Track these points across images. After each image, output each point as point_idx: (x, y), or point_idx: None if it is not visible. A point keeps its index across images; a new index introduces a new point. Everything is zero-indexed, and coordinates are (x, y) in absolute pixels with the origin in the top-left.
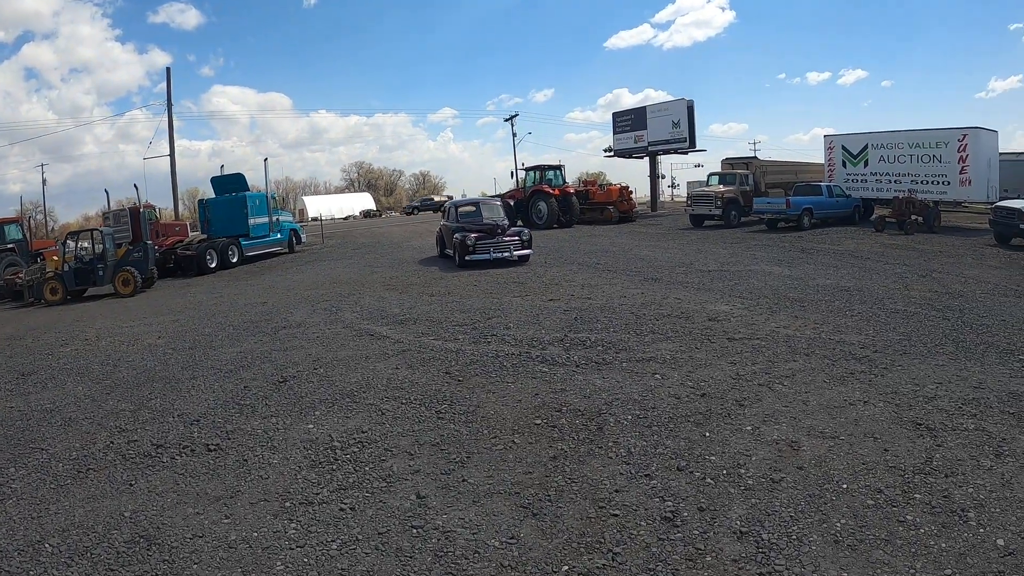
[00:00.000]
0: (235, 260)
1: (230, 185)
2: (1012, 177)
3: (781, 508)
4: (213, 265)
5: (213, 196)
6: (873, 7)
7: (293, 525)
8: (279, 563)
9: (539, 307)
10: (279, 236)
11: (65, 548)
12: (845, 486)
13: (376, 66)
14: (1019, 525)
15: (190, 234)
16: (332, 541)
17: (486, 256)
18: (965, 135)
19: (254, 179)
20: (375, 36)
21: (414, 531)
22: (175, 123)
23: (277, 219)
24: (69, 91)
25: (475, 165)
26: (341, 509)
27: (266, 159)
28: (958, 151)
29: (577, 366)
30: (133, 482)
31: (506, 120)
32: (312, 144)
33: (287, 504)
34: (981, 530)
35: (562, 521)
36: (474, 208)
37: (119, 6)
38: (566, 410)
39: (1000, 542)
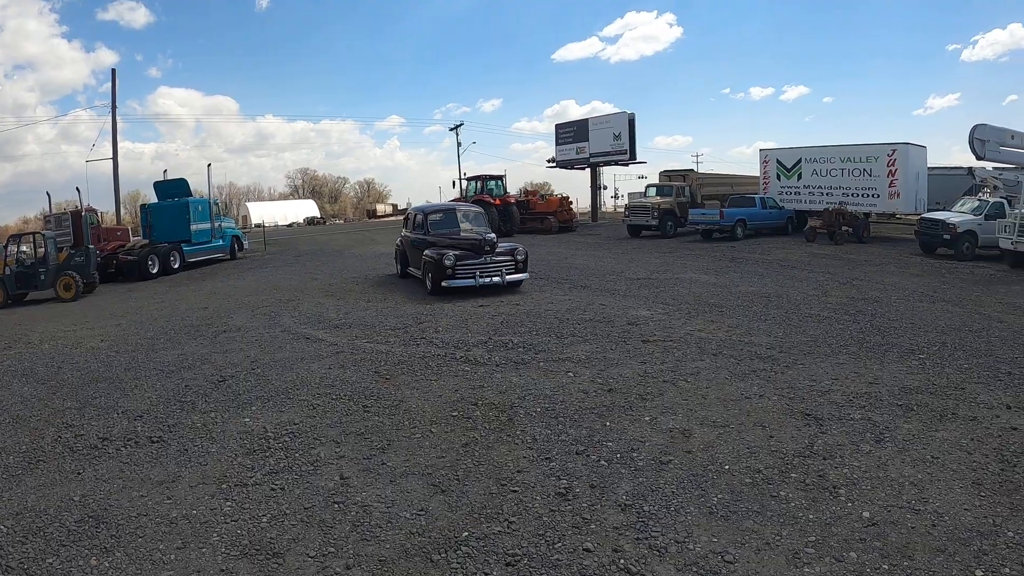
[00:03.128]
0: (177, 266)
1: (173, 190)
2: (943, 190)
3: (665, 485)
4: (155, 271)
5: (155, 201)
6: (816, 26)
7: (228, 503)
8: (215, 535)
9: (469, 312)
10: (221, 242)
11: (20, 529)
12: (727, 467)
13: (325, 72)
14: (887, 501)
15: (132, 239)
16: (263, 516)
17: (469, 282)
18: (895, 150)
19: (198, 184)
20: (325, 41)
21: (336, 506)
22: (119, 124)
23: (219, 225)
24: (12, 88)
25: (421, 173)
26: (272, 489)
27: (209, 164)
28: (887, 165)
29: (497, 366)
30: (81, 471)
31: (451, 129)
32: (258, 149)
33: (223, 486)
34: (849, 504)
35: (467, 496)
36: (449, 215)
37: (67, 2)
38: (481, 404)
39: (866, 514)
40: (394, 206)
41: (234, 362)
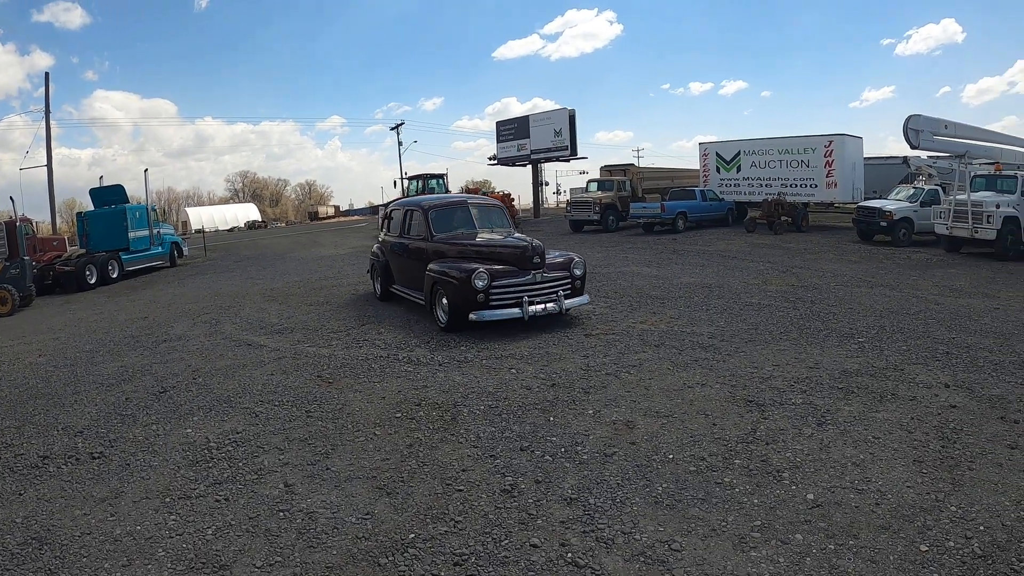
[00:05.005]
0: (115, 275)
1: (110, 197)
2: (880, 179)
3: (610, 477)
4: (93, 281)
5: (92, 209)
6: (753, 21)
7: (173, 517)
8: (160, 550)
9: (411, 312)
10: (160, 250)
11: None
12: (672, 457)
13: (265, 72)
14: (830, 482)
15: (69, 249)
16: (208, 528)
17: (513, 312)
18: (831, 141)
19: (135, 190)
20: (265, 42)
21: (281, 514)
22: (54, 130)
23: (158, 232)
24: None
25: (363, 174)
26: (216, 500)
27: (146, 169)
28: (825, 156)
29: (440, 365)
30: (22, 492)
31: (392, 129)
32: (197, 153)
33: (167, 500)
34: (793, 487)
35: (412, 498)
36: (459, 212)
37: (1, 3)
38: (425, 404)
39: (810, 496)
40: (336, 208)
41: (175, 372)
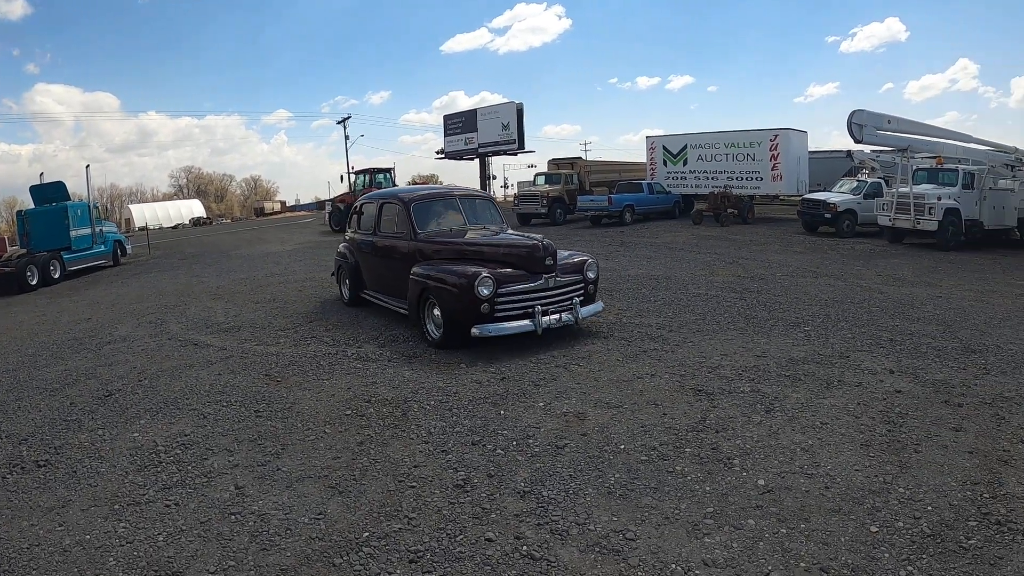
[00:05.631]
0: (57, 276)
1: (50, 194)
2: (824, 172)
3: (562, 469)
4: (34, 282)
5: (32, 207)
6: (700, 17)
7: (122, 524)
8: (111, 559)
9: (359, 308)
10: (103, 248)
11: None
12: (623, 447)
13: (210, 65)
14: (780, 468)
15: (9, 249)
16: (159, 534)
17: (525, 326)
18: (776, 135)
19: (77, 187)
20: (211, 33)
21: (233, 517)
22: None
23: (101, 230)
24: None
25: (309, 168)
26: (166, 506)
27: (88, 165)
28: (770, 150)
29: (389, 360)
30: None
31: (339, 123)
32: (140, 148)
33: (116, 507)
34: (744, 474)
35: (365, 496)
36: (447, 205)
37: None
38: (375, 400)
39: (761, 482)
40: (282, 203)
41: (120, 375)
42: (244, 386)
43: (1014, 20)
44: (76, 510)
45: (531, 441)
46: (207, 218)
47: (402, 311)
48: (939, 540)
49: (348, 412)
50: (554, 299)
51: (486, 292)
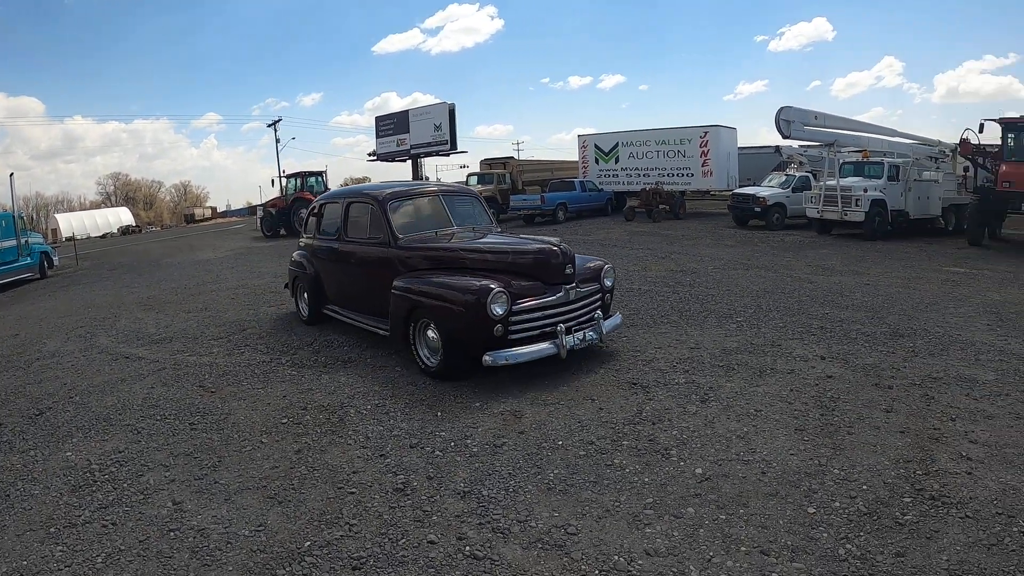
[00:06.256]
0: None
1: None
2: (753, 167)
3: (501, 468)
4: None
5: None
6: (632, 17)
7: (59, 548)
8: None
9: (293, 314)
10: (29, 260)
11: None
12: (560, 443)
13: (138, 67)
14: (717, 456)
15: None
16: (97, 556)
17: (546, 349)
18: (706, 132)
19: (1, 196)
20: (138, 35)
21: (172, 534)
22: None
23: (26, 241)
24: None
25: (240, 173)
26: (104, 526)
27: (12, 174)
28: (700, 147)
29: (324, 366)
30: None
31: (269, 125)
32: (66, 154)
33: (52, 530)
34: (682, 463)
35: (305, 505)
36: (427, 202)
37: None
38: (311, 407)
39: (698, 471)
40: (213, 209)
41: (50, 392)
42: (178, 399)
43: (938, 19)
44: (11, 535)
45: (469, 441)
46: (136, 226)
47: (380, 332)
48: (875, 517)
49: (284, 420)
50: (575, 314)
51: (500, 311)
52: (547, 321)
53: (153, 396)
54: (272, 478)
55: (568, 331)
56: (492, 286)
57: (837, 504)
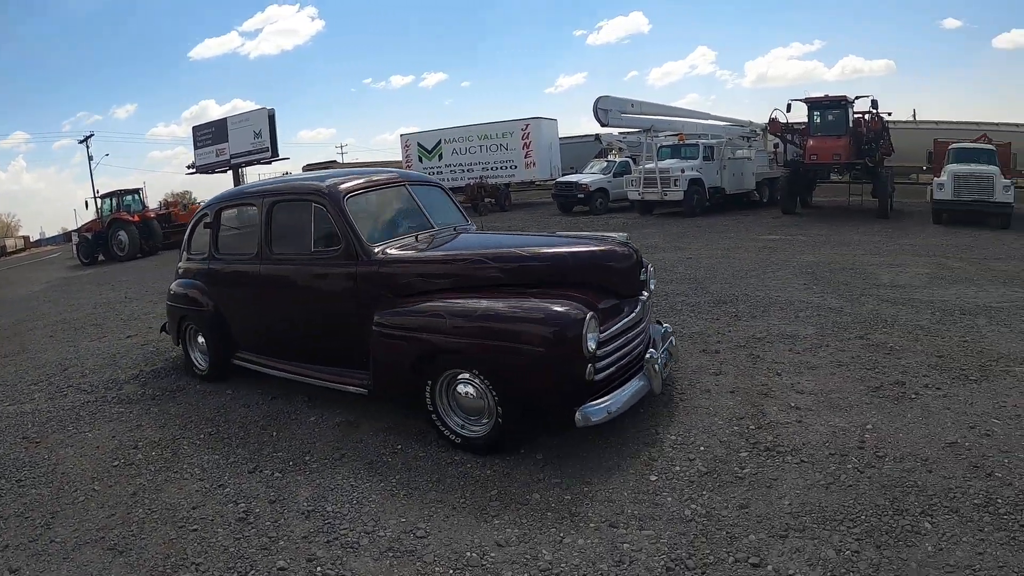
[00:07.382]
0: None
1: None
2: (576, 156)
3: (343, 481)
4: None
5: None
6: (452, 14)
7: None
8: None
9: (116, 346)
10: None
11: None
12: (400, 448)
13: None
14: (554, 439)
15: None
16: None
17: (642, 388)
18: (528, 124)
19: None
20: None
21: None
22: None
23: None
24: None
25: (53, 196)
26: None
27: None
28: (522, 139)
29: (153, 399)
30: None
31: (81, 142)
32: None
33: None
34: (522, 451)
35: (147, 550)
36: (393, 194)
37: None
38: (142, 444)
39: (539, 456)
40: (26, 239)
41: None
42: (1, 454)
43: (748, 10)
44: None
45: (308, 458)
46: None
47: (351, 390)
48: (716, 475)
49: (116, 463)
50: (644, 331)
51: (595, 344)
52: (630, 347)
53: None
54: (110, 527)
55: (655, 355)
56: (579, 309)
57: (677, 468)
